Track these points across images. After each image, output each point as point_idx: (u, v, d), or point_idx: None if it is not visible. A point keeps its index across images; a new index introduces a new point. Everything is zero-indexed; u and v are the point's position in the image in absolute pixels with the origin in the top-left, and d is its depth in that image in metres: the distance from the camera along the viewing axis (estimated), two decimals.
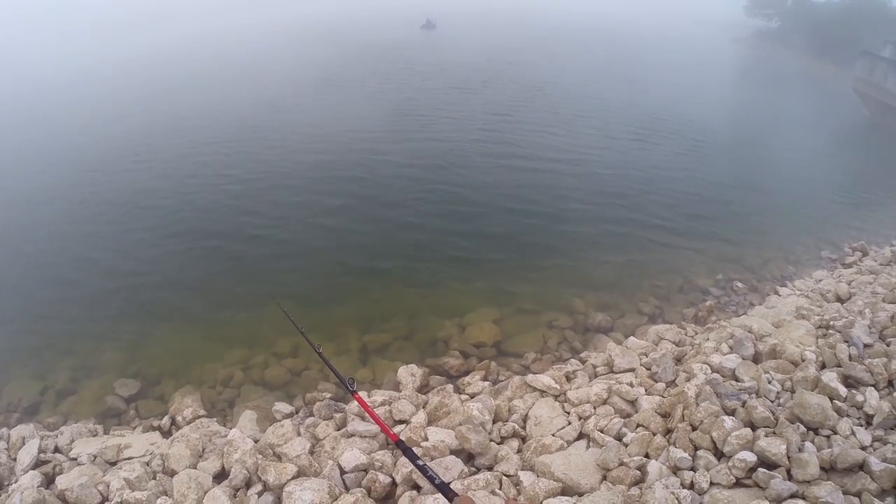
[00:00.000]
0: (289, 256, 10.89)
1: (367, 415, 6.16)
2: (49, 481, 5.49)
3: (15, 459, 5.90)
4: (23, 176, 15.43)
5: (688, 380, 6.02)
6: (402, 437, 5.69)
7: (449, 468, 5.08)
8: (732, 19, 65.45)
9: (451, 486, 4.87)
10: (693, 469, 4.73)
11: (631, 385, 6.29)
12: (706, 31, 62.14)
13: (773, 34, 56.25)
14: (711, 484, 4.54)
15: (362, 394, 6.84)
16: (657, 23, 66.18)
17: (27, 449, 5.92)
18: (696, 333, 8.13)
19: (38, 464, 5.76)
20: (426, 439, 5.57)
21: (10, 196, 14.10)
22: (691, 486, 4.55)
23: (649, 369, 6.68)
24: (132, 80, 29.04)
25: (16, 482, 5.40)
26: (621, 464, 4.99)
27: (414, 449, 5.47)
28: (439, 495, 4.71)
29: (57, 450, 6.17)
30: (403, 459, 5.37)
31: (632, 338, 8.02)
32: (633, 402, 6.00)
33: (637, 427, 5.54)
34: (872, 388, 5.26)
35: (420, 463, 1.41)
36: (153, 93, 25.65)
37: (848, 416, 4.99)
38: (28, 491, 4.98)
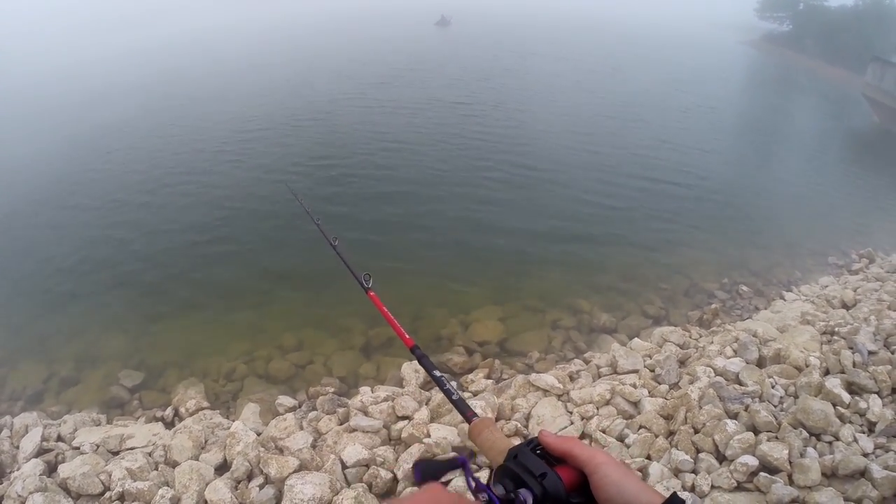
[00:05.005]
0: (297, 251, 10.85)
1: (369, 410, 6.20)
2: (51, 469, 5.50)
3: (18, 447, 5.92)
4: (26, 166, 15.50)
5: (691, 382, 6.02)
6: (405, 434, 5.71)
7: None
8: (744, 22, 65.16)
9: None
10: (694, 472, 4.73)
11: (634, 386, 6.29)
12: (716, 33, 61.86)
13: (783, 37, 55.94)
14: (712, 487, 4.54)
15: (364, 389, 6.84)
16: (667, 24, 65.96)
17: (30, 437, 5.94)
18: (701, 336, 8.12)
19: (40, 452, 5.79)
20: (428, 436, 5.57)
21: (18, 188, 14.15)
22: (692, 489, 4.55)
23: (653, 371, 6.68)
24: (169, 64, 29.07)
25: (18, 470, 5.43)
26: None
27: (416, 445, 5.49)
28: None
29: (60, 438, 6.19)
30: (405, 455, 5.39)
31: (636, 339, 8.00)
32: (635, 404, 6.00)
33: (639, 428, 5.55)
34: (876, 395, 5.25)
35: (437, 374, 1.35)
36: (178, 78, 25.69)
37: (851, 422, 4.98)
38: (30, 479, 5.00)
